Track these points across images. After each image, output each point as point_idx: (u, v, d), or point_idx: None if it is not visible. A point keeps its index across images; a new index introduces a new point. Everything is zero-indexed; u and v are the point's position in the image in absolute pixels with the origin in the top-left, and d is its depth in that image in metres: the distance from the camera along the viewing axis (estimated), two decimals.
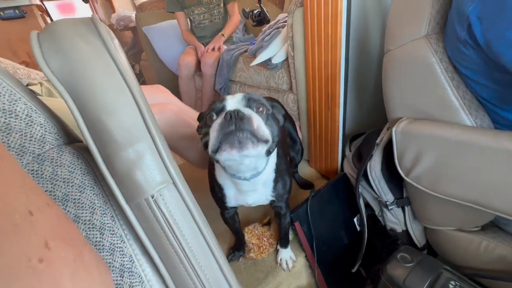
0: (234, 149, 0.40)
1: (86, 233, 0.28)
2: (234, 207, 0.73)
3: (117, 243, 0.29)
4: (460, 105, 0.58)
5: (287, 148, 0.87)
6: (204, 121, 0.50)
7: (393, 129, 0.67)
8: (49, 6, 4.04)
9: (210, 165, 0.68)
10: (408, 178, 0.67)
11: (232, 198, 0.65)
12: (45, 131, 0.29)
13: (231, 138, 0.40)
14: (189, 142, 0.89)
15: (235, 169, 0.51)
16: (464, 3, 0.48)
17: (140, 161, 0.29)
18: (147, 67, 2.54)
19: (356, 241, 0.89)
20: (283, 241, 0.82)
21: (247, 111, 0.42)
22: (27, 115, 0.28)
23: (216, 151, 0.42)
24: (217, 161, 0.47)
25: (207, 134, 0.45)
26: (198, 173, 1.31)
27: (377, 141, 0.79)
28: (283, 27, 1.19)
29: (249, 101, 0.47)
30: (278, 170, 0.62)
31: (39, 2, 1.89)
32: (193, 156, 0.97)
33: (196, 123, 0.72)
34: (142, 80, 2.97)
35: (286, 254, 0.84)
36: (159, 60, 2.17)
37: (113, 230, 0.30)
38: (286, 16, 1.28)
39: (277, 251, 0.86)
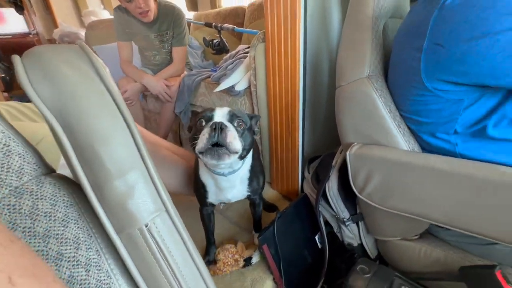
0: (214, 159, 0.55)
1: (71, 272, 0.25)
2: (213, 204, 0.82)
3: (104, 280, 0.27)
4: (398, 132, 0.70)
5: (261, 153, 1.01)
6: (194, 123, 0.62)
7: (347, 153, 0.76)
8: None
9: (195, 165, 0.76)
10: (362, 196, 0.76)
11: (213, 194, 0.75)
12: (24, 161, 0.27)
13: (213, 152, 0.54)
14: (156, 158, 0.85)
15: (214, 167, 0.64)
16: (415, 42, 0.59)
17: (133, 190, 0.29)
18: None
19: (319, 259, 0.94)
20: (256, 227, 0.97)
21: (228, 126, 0.55)
22: (4, 144, 0.26)
23: (201, 153, 0.55)
24: (201, 158, 0.59)
25: (196, 137, 0.56)
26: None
27: (333, 163, 0.88)
28: (244, 57, 1.27)
29: (232, 117, 0.59)
30: (253, 170, 0.74)
31: None
32: (169, 176, 0.87)
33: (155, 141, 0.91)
34: None
35: None
36: None
37: (99, 266, 0.27)
38: (247, 47, 1.38)
39: (242, 270, 0.87)
